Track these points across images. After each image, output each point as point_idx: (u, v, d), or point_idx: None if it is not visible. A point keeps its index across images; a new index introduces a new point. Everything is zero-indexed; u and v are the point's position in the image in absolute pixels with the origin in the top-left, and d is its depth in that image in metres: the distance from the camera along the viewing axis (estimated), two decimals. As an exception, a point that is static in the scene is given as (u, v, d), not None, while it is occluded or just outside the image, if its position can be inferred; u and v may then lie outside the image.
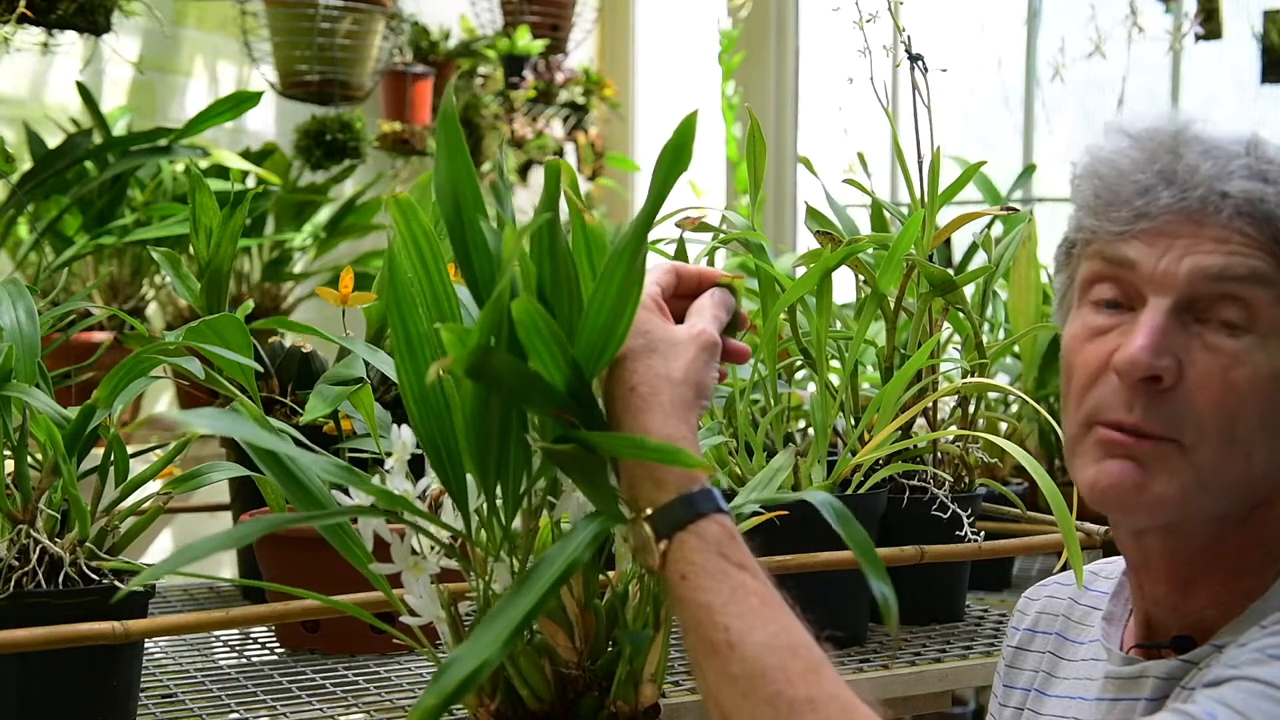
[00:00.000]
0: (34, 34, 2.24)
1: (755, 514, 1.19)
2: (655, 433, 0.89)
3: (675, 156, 0.90)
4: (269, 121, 3.47)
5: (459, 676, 0.77)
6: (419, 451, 1.00)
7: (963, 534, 1.62)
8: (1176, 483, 0.94)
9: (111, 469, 1.31)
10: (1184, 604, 1.01)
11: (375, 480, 1.00)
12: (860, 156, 2.15)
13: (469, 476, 0.97)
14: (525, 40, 3.81)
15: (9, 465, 1.26)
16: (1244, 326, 0.93)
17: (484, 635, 0.80)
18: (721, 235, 1.72)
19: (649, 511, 0.88)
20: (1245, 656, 0.90)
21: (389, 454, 1.06)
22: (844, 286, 1.87)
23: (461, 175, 0.96)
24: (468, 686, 0.77)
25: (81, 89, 2.69)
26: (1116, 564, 1.16)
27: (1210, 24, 3.30)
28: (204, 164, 2.56)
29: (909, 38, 1.77)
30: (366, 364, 1.49)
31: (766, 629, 0.83)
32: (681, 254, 1.57)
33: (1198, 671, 0.97)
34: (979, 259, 2.30)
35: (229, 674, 1.51)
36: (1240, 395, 0.92)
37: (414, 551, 1.01)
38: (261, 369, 1.61)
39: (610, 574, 1.04)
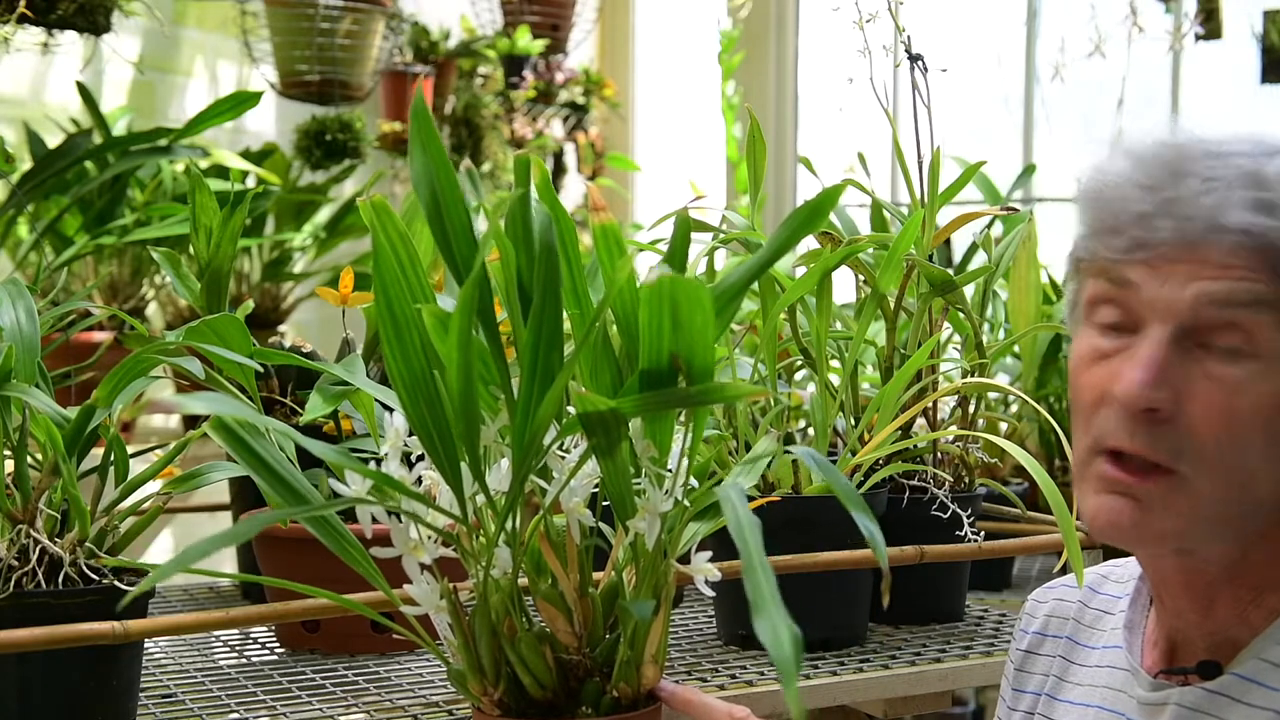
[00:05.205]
0: (34, 34, 2.24)
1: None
2: None
3: (810, 217, 0.94)
4: (269, 121, 3.47)
5: (789, 640, 0.76)
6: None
7: (963, 534, 1.62)
8: (1175, 516, 0.94)
9: (111, 469, 1.31)
10: (1207, 621, 1.01)
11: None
12: (860, 156, 2.15)
13: (463, 464, 0.98)
14: (525, 40, 3.81)
15: (9, 465, 1.26)
16: (1247, 353, 0.91)
17: (764, 601, 0.79)
18: (721, 235, 1.72)
19: None
20: None
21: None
22: (844, 286, 1.87)
23: (436, 165, 0.97)
24: (799, 644, 0.76)
25: (81, 89, 2.68)
26: (1127, 566, 1.15)
27: (1210, 24, 3.30)
28: (204, 164, 2.56)
29: (909, 38, 1.77)
30: (368, 363, 1.49)
31: None
32: (680, 252, 1.56)
33: (1224, 701, 0.97)
34: (979, 259, 2.30)
35: (229, 674, 1.51)
36: (1245, 424, 0.91)
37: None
38: (261, 369, 1.61)
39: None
